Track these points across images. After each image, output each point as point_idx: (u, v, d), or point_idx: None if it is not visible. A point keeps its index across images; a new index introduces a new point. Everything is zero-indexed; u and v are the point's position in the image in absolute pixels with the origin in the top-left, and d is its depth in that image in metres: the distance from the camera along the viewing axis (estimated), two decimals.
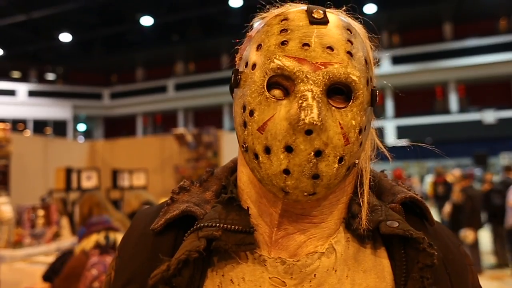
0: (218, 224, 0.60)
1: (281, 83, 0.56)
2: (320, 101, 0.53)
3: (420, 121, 15.49)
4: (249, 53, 0.60)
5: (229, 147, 6.29)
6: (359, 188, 0.65)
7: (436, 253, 0.58)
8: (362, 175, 0.65)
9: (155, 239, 0.65)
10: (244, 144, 0.58)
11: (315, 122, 0.51)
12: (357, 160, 0.60)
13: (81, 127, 21.10)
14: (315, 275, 0.60)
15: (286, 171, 0.54)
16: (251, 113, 0.56)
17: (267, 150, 0.55)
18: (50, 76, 21.38)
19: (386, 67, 14.84)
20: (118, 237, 2.35)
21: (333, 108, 0.55)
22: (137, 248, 0.66)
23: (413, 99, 15.54)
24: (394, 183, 0.71)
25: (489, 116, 14.78)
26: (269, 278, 0.60)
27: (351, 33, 0.59)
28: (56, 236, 4.11)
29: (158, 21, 15.76)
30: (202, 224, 0.61)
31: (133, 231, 0.70)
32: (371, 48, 0.65)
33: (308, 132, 0.52)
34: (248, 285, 0.61)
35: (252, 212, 0.64)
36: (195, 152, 6.26)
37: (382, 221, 0.61)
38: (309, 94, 0.53)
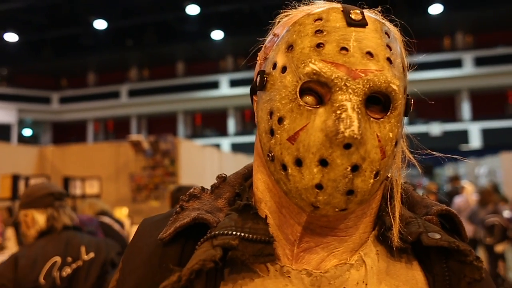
0: (235, 233, 0.55)
1: (315, 89, 0.51)
2: (359, 112, 0.49)
3: None
4: (278, 53, 0.55)
5: (186, 155, 6.18)
6: (389, 201, 0.60)
7: (484, 267, 0.55)
8: (392, 188, 0.61)
9: (162, 249, 0.59)
10: (270, 153, 0.54)
11: (355, 136, 0.47)
12: (389, 174, 0.57)
13: (27, 132, 20.05)
14: (344, 287, 0.56)
15: (319, 186, 0.49)
16: (280, 120, 0.52)
17: (298, 162, 0.50)
18: None
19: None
20: None
21: (371, 119, 0.51)
22: (142, 258, 0.61)
23: None
24: (422, 195, 0.67)
25: (435, 128, 15.54)
26: None
27: (389, 37, 0.55)
28: (1, 248, 3.84)
29: (112, 25, 15.34)
30: (217, 232, 0.55)
31: (138, 240, 0.65)
32: (405, 54, 0.61)
33: (347, 146, 0.48)
34: None
35: (271, 223, 0.59)
36: (151, 160, 6.10)
37: (422, 232, 0.56)
38: (348, 104, 0.49)
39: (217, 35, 15.18)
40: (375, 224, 0.61)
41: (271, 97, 0.54)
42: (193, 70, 19.45)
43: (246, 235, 0.55)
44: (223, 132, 18.67)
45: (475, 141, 15.56)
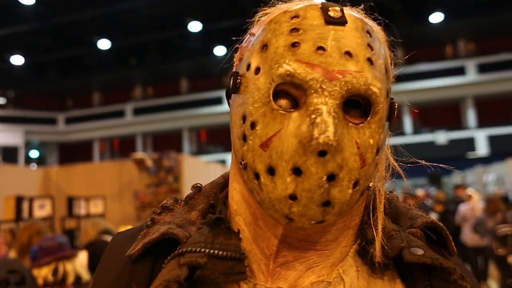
0: (203, 250, 0.51)
1: (289, 92, 0.48)
2: (336, 116, 0.45)
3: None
4: (252, 53, 0.52)
5: (190, 172, 6.18)
6: (371, 213, 0.56)
7: (469, 286, 0.50)
8: (375, 199, 0.58)
9: (131, 266, 0.56)
10: (243, 161, 0.50)
11: (330, 142, 0.44)
12: (371, 184, 0.53)
13: (34, 153, 20.18)
14: None
15: (293, 197, 0.46)
16: (253, 125, 0.48)
17: (271, 171, 0.47)
18: (0, 100, 20.44)
19: None
20: (70, 267, 2.20)
21: (350, 124, 0.48)
22: (111, 276, 0.58)
23: None
24: (408, 206, 0.63)
25: (441, 137, 15.43)
26: None
27: (371, 36, 0.51)
28: None
29: (115, 44, 15.52)
30: (184, 249, 0.52)
31: (107, 257, 0.62)
32: (389, 55, 0.57)
33: (322, 154, 0.45)
34: None
35: (246, 236, 0.55)
36: (155, 177, 6.10)
37: (404, 247, 0.52)
38: (323, 108, 0.45)
39: (220, 51, 15.30)
40: (357, 237, 0.57)
41: (244, 100, 0.51)
42: (197, 87, 19.56)
43: (216, 251, 0.52)
44: (228, 148, 18.67)
45: (481, 149, 15.41)
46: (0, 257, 3.84)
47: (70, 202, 5.50)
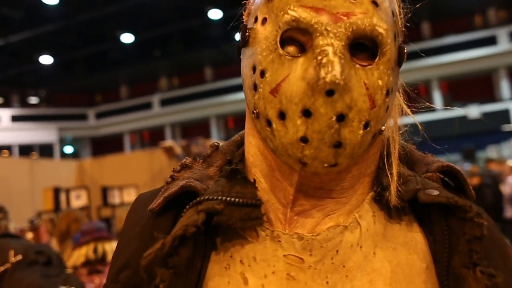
0: (220, 197, 0.53)
1: (296, 38, 0.49)
2: (342, 57, 0.46)
3: (405, 120, 15.53)
4: (259, 6, 0.53)
5: None
6: (386, 159, 0.57)
7: (485, 223, 0.50)
8: (389, 145, 0.58)
9: (154, 221, 0.58)
10: (255, 110, 0.51)
11: (337, 81, 0.44)
12: (383, 127, 0.53)
13: (68, 149, 20.82)
14: (337, 251, 0.53)
15: (304, 139, 0.47)
16: (262, 73, 0.49)
17: (282, 116, 0.48)
18: (33, 100, 21.11)
19: None
20: (108, 247, 2.28)
21: (357, 66, 0.48)
22: (134, 231, 0.61)
23: None
24: (424, 153, 0.63)
25: (474, 111, 14.97)
26: (284, 256, 0.54)
27: None
28: None
29: (138, 37, 15.71)
30: (202, 198, 0.54)
31: (131, 215, 0.65)
32: (397, 1, 0.56)
33: (330, 93, 0.45)
34: (260, 265, 0.54)
35: (263, 187, 0.57)
36: None
37: (419, 189, 0.53)
38: (329, 49, 0.46)
39: None
40: (373, 185, 0.58)
41: (253, 51, 0.52)
42: (221, 74, 19.60)
43: (232, 199, 0.53)
44: None
45: None
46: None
47: (105, 192, 5.68)
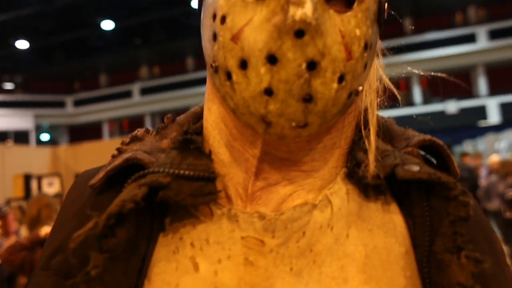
0: (167, 170, 0.46)
1: None
2: None
3: (385, 114, 15.75)
4: None
5: None
6: (363, 129, 0.50)
7: (471, 202, 0.44)
8: (367, 115, 0.52)
9: (95, 199, 0.51)
10: (214, 63, 0.44)
11: (308, 20, 0.38)
12: (360, 87, 0.46)
13: (45, 136, 20.39)
14: (304, 232, 0.46)
15: (268, 91, 0.40)
16: (223, 19, 0.43)
17: (243, 64, 0.41)
18: (8, 86, 20.56)
19: None
20: None
21: (332, 11, 0.42)
22: (71, 210, 0.53)
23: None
24: (404, 128, 0.56)
25: (451, 106, 15.22)
26: (242, 238, 0.46)
27: None
28: None
29: (119, 24, 15.41)
30: (146, 171, 0.47)
31: (70, 192, 0.57)
32: None
33: (299, 34, 0.39)
34: (213, 248, 0.46)
35: (222, 159, 0.50)
36: None
37: (398, 165, 0.46)
38: None
39: None
40: (347, 161, 0.51)
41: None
42: (203, 64, 18.83)
43: (182, 171, 0.46)
44: None
45: (493, 117, 15.18)
46: (11, 233, 3.91)
47: None
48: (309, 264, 0.45)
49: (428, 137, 0.52)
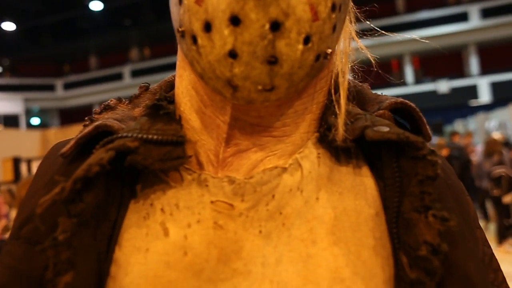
0: (135, 135, 0.46)
1: None
2: None
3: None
4: None
5: None
6: (334, 93, 0.50)
7: (439, 161, 0.44)
8: (338, 79, 0.51)
9: (66, 167, 0.51)
10: (180, 27, 0.43)
11: None
12: (330, 50, 0.45)
13: (35, 120, 20.22)
14: (273, 195, 0.46)
15: (233, 53, 0.39)
16: None
17: (208, 27, 0.40)
18: None
19: None
20: None
21: None
22: (43, 180, 0.53)
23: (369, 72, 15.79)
24: (378, 93, 0.56)
25: (443, 86, 15.25)
26: (211, 202, 0.46)
27: None
28: (6, 230, 3.89)
29: (108, 5, 15.16)
30: (115, 136, 0.46)
31: (43, 163, 0.56)
32: None
33: None
34: (183, 213, 0.46)
35: (193, 125, 0.49)
36: None
37: (368, 126, 0.46)
38: None
39: None
40: (319, 126, 0.51)
41: None
42: None
43: (150, 136, 0.46)
44: None
45: (484, 96, 15.25)
46: (2, 216, 3.90)
47: None
48: (278, 226, 0.46)
49: (399, 99, 0.51)
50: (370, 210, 0.47)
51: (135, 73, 19.39)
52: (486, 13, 15.39)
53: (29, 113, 20.05)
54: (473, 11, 15.55)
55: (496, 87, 15.10)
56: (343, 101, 0.49)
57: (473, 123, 12.33)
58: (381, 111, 0.50)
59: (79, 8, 15.43)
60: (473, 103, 15.34)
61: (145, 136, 0.46)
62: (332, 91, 0.51)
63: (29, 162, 4.90)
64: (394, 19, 15.94)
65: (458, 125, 13.12)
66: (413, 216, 0.44)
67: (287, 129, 0.49)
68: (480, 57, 16.31)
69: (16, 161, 4.69)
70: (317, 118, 0.51)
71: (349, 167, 0.49)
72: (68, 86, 20.69)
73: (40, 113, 20.56)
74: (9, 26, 15.72)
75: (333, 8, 0.42)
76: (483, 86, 15.31)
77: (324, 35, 0.42)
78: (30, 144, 6.69)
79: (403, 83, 16.11)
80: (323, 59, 0.44)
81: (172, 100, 0.53)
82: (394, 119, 0.52)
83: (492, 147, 5.73)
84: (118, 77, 19.72)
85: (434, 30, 15.37)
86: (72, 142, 0.51)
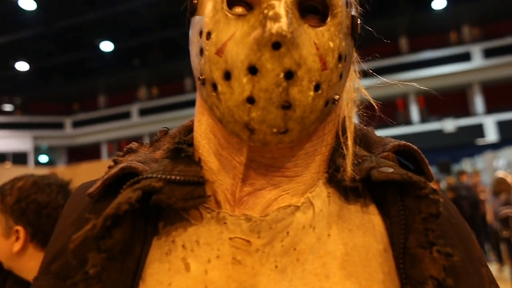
0: (160, 176, 0.49)
1: None
2: (290, 11, 0.44)
3: (383, 133, 15.78)
4: None
5: None
6: (341, 136, 0.54)
7: (441, 199, 0.47)
8: (345, 123, 0.55)
9: (92, 206, 0.54)
10: (201, 76, 0.49)
11: (284, 33, 0.42)
12: (337, 96, 0.50)
13: (43, 158, 20.35)
14: (288, 232, 0.49)
15: (250, 99, 0.44)
16: (208, 35, 0.47)
17: (227, 76, 0.45)
18: (8, 107, 20.64)
19: None
20: None
21: (306, 25, 0.46)
22: (70, 218, 0.56)
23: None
24: (382, 136, 0.61)
25: (449, 124, 15.29)
26: (230, 239, 0.49)
27: None
28: None
29: (118, 46, 15.60)
30: (140, 177, 0.50)
31: (69, 202, 0.60)
32: None
33: (276, 46, 0.43)
34: (203, 249, 0.49)
35: (211, 167, 0.53)
36: None
37: (373, 168, 0.50)
38: (276, 3, 0.44)
39: None
40: (328, 167, 0.55)
41: (201, 16, 0.50)
42: None
43: (173, 177, 0.50)
44: None
45: (491, 135, 15.24)
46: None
47: None
48: (292, 262, 0.48)
49: (402, 142, 0.56)
50: (378, 246, 0.50)
51: (143, 112, 19.68)
52: (488, 53, 15.65)
53: (37, 151, 20.23)
54: (475, 51, 15.83)
55: (502, 126, 15.12)
56: (350, 143, 0.53)
57: (480, 162, 12.26)
58: (385, 153, 0.55)
59: (90, 48, 15.89)
60: (480, 141, 15.32)
61: (168, 176, 0.50)
62: (340, 133, 0.55)
63: None
64: (398, 59, 16.24)
65: (466, 164, 13.04)
66: (419, 251, 0.46)
67: (299, 169, 0.52)
68: (485, 96, 16.44)
69: None
70: (326, 159, 0.55)
71: (357, 205, 0.53)
72: (77, 124, 20.98)
73: (49, 151, 20.73)
74: (22, 66, 16.15)
75: (340, 58, 0.48)
76: (489, 125, 15.34)
77: (332, 82, 0.48)
78: None
79: (409, 122, 16.21)
80: (331, 104, 0.50)
81: (190, 143, 0.57)
82: (398, 161, 0.56)
83: (499, 186, 5.67)
84: (126, 115, 20.01)
85: (438, 70, 15.60)
86: (98, 183, 0.54)
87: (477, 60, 15.77)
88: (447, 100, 17.17)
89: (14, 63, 15.99)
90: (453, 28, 17.18)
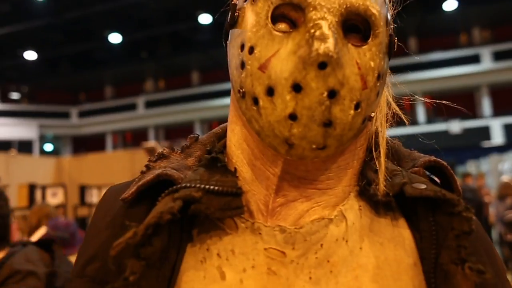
0: (198, 185, 0.50)
1: (288, 15, 0.48)
2: (335, 31, 0.44)
3: (389, 133, 15.75)
4: None
5: None
6: (374, 151, 0.55)
7: (474, 217, 0.49)
8: (377, 138, 0.57)
9: (127, 211, 0.55)
10: (241, 89, 0.49)
11: (330, 53, 0.43)
12: (373, 114, 0.51)
13: (48, 147, 20.46)
14: (322, 245, 0.50)
15: (293, 116, 0.45)
16: (251, 50, 0.47)
17: (270, 92, 0.46)
18: (15, 95, 20.73)
19: None
20: None
21: (349, 44, 0.47)
22: (104, 221, 0.56)
23: None
24: (410, 150, 0.62)
25: (455, 126, 15.22)
26: (265, 249, 0.50)
27: None
28: None
29: (126, 38, 15.59)
30: (179, 186, 0.51)
31: (102, 205, 0.60)
32: None
33: (322, 66, 0.43)
34: (238, 259, 0.50)
35: (245, 177, 0.54)
36: None
37: (406, 183, 0.51)
38: (323, 23, 0.44)
39: None
40: (359, 180, 0.56)
41: (242, 30, 0.50)
42: (208, 79, 19.57)
43: (211, 187, 0.50)
44: None
45: (497, 137, 15.16)
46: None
47: (83, 190, 5.56)
48: (326, 274, 0.49)
49: (432, 158, 0.57)
50: (409, 260, 0.51)
51: (149, 104, 19.69)
52: (498, 56, 15.53)
53: (43, 140, 20.32)
54: (485, 53, 15.71)
55: (509, 129, 15.03)
56: (383, 159, 0.54)
57: (485, 164, 12.21)
58: (416, 169, 0.55)
59: (98, 40, 15.89)
60: (486, 144, 15.24)
61: (207, 186, 0.50)
62: (373, 148, 0.56)
63: (43, 189, 4.94)
64: (407, 59, 16.18)
65: (471, 166, 12.99)
66: (451, 268, 0.47)
67: (331, 182, 0.53)
68: (493, 98, 16.33)
69: (32, 188, 4.74)
70: (357, 172, 0.56)
71: (387, 219, 0.54)
72: (82, 114, 21.04)
73: (54, 140, 20.82)
74: (30, 55, 16.20)
75: (378, 77, 0.49)
76: (495, 128, 15.25)
77: (370, 101, 0.49)
78: (44, 171, 6.77)
79: (415, 123, 16.17)
80: (367, 121, 0.50)
81: (222, 151, 0.58)
82: (427, 175, 0.56)
83: (505, 191, 5.65)
84: (132, 107, 20.04)
85: (447, 71, 15.50)
86: (133, 188, 0.55)
87: (486, 63, 15.66)
88: (454, 102, 17.06)
89: (22, 52, 16.03)
90: (463, 30, 17.05)
